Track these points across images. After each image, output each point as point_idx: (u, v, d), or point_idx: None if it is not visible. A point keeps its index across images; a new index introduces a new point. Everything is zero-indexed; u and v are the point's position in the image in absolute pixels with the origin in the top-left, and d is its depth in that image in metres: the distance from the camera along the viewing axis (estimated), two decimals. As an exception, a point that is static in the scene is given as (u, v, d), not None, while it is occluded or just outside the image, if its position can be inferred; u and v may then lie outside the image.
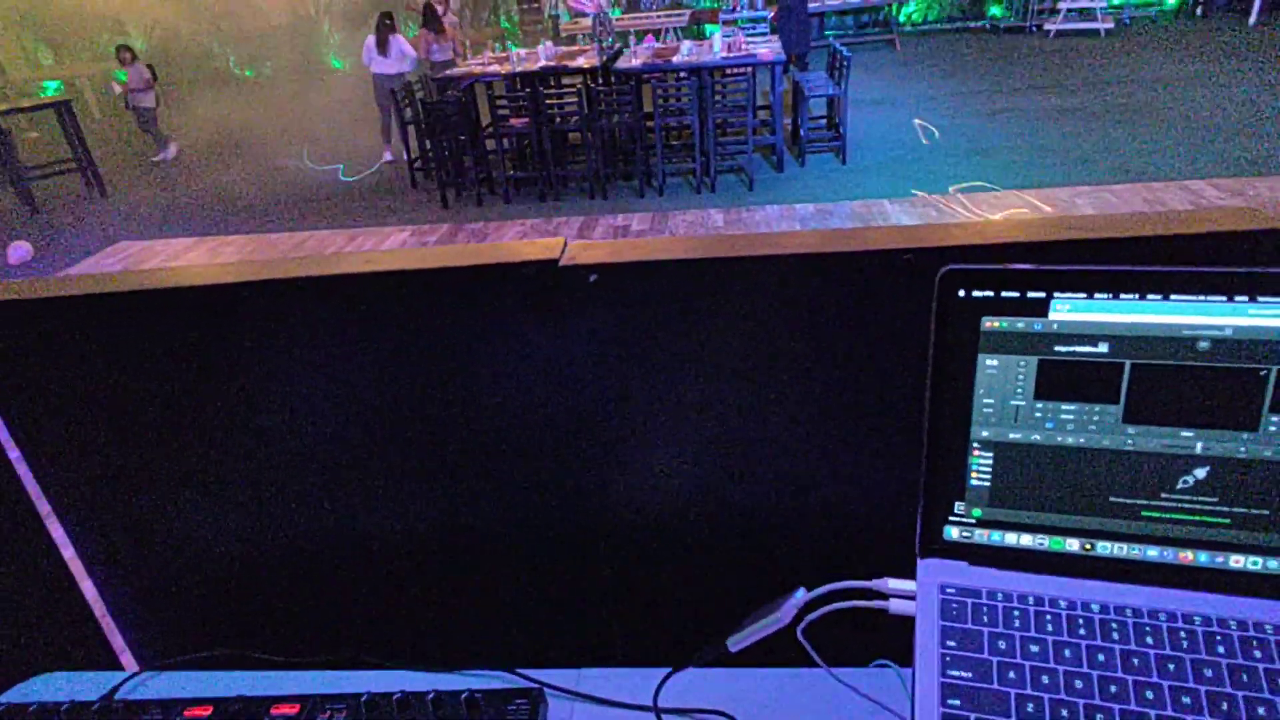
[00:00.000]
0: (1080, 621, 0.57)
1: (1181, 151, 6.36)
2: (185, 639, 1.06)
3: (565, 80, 7.34)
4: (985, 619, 0.59)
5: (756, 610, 0.71)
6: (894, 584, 0.64)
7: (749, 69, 6.37)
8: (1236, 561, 0.58)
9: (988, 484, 0.61)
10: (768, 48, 6.92)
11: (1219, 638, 0.55)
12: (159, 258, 6.29)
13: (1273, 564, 0.57)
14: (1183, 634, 0.56)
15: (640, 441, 0.90)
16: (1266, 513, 0.55)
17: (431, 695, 0.81)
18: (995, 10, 12.40)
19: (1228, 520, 0.57)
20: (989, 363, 0.58)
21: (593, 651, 0.89)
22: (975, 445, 0.60)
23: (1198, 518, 0.57)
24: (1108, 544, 0.60)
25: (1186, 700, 0.53)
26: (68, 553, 1.04)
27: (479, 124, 7.19)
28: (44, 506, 1.01)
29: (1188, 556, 0.58)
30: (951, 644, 0.58)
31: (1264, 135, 6.51)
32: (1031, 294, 0.56)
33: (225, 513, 1.03)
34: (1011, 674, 0.56)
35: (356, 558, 1.02)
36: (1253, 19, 10.76)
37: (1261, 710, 0.52)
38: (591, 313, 0.84)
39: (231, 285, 0.91)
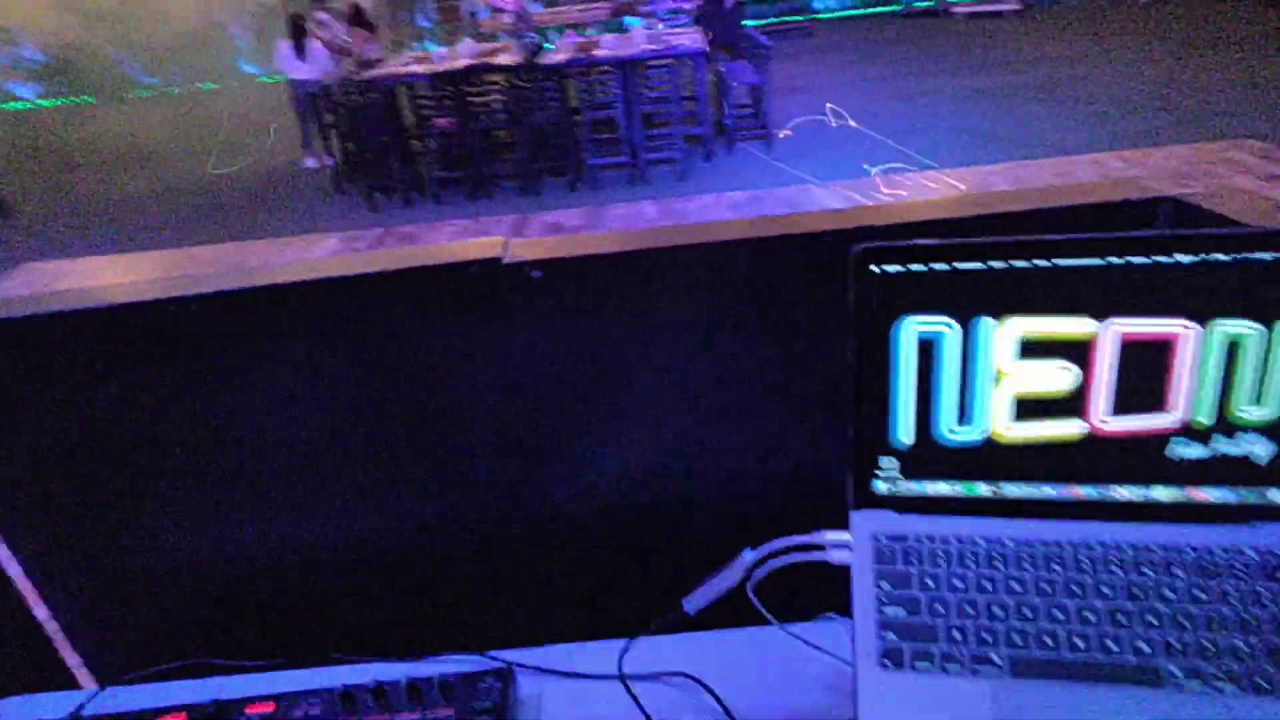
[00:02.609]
0: (996, 556, 0.64)
1: (1086, 127, 6.68)
2: (145, 653, 1.06)
3: (489, 78, 7.28)
4: (913, 560, 0.65)
5: (708, 575, 0.76)
6: (831, 535, 0.70)
7: (672, 61, 6.43)
8: (1121, 493, 0.65)
9: (910, 439, 0.67)
10: (690, 39, 6.99)
11: (1114, 560, 0.62)
12: (72, 277, 6.03)
13: (1153, 493, 0.65)
14: (1083, 559, 0.63)
15: (588, 430, 0.94)
16: (1148, 460, 0.63)
17: (405, 682, 0.84)
18: (908, -4, 12.76)
19: (1105, 462, 0.64)
20: (903, 330, 0.64)
21: (557, 629, 0.93)
22: (899, 405, 0.67)
23: (1083, 463, 0.65)
24: (1013, 486, 0.67)
25: (1091, 617, 0.60)
26: (13, 570, 1.03)
27: (403, 125, 7.09)
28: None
29: (1079, 492, 0.66)
30: (885, 585, 0.64)
31: (1155, 109, 6.89)
32: (935, 265, 0.62)
33: (175, 526, 1.03)
34: (939, 606, 0.62)
35: (316, 560, 1.04)
36: (1143, -2, 11.34)
37: (1151, 619, 0.59)
38: (536, 308, 0.88)
39: (174, 300, 0.92)
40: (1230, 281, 0.58)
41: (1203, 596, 0.60)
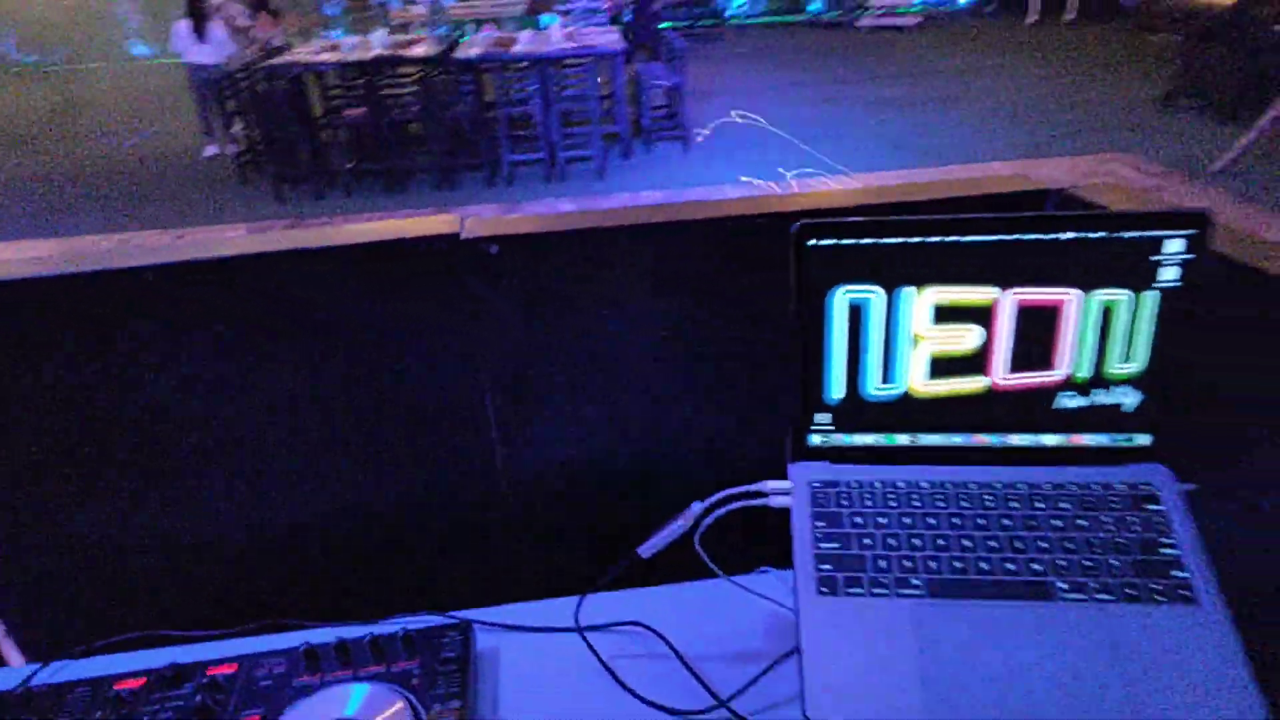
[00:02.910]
0: (914, 496, 0.73)
1: (979, 137, 7.11)
2: (93, 632, 1.05)
3: (403, 70, 7.15)
4: (844, 503, 0.74)
5: (661, 525, 0.83)
6: (772, 484, 0.78)
7: (590, 60, 6.49)
8: (1017, 440, 0.76)
9: (840, 396, 0.76)
10: (607, 39, 7.06)
11: (1012, 496, 0.73)
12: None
13: (1043, 439, 0.75)
14: (987, 497, 0.73)
15: (542, 397, 0.99)
16: (1039, 410, 0.74)
17: (368, 638, 0.87)
18: (815, 6, 13.20)
19: (1004, 413, 0.75)
20: (836, 298, 0.72)
21: (519, 590, 0.98)
22: (831, 365, 0.75)
23: (986, 414, 0.75)
24: (927, 436, 0.77)
25: (993, 545, 0.70)
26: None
27: (312, 115, 6.89)
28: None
29: (983, 439, 0.76)
30: (820, 525, 0.73)
31: (1043, 122, 7.40)
32: (864, 240, 0.70)
33: (128, 504, 1.03)
34: (866, 541, 0.71)
35: (272, 534, 1.05)
36: (1029, 18, 12.10)
37: (1043, 544, 0.69)
38: (492, 283, 0.93)
39: (116, 272, 0.92)
40: (1105, 255, 0.69)
41: (1084, 524, 0.71)
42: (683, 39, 7.22)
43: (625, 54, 6.79)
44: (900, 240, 0.70)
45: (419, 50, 7.03)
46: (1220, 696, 0.61)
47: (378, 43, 7.18)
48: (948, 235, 0.70)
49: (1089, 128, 7.18)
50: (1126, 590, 0.66)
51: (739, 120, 7.86)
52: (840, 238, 0.71)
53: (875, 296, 0.72)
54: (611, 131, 7.05)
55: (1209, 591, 0.66)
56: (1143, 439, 0.74)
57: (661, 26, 10.76)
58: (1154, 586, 0.66)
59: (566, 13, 10.94)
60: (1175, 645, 0.63)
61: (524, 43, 7.00)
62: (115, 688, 0.85)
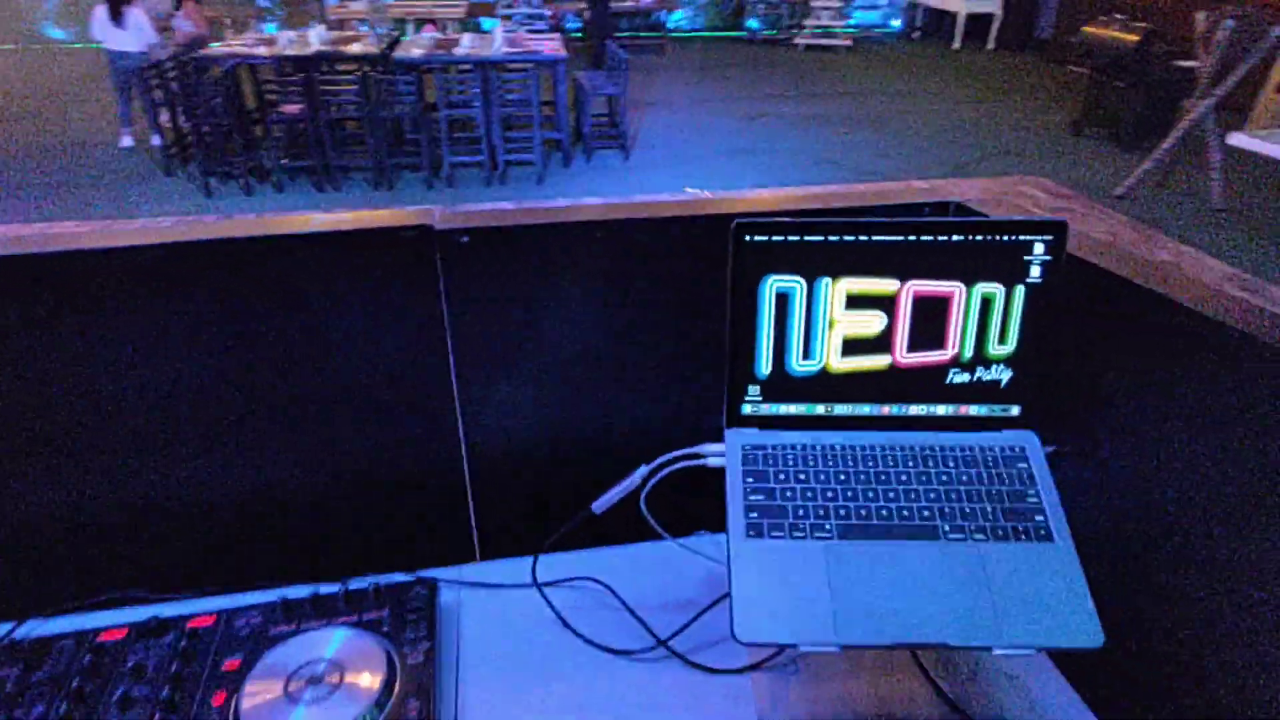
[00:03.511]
0: (828, 456, 0.86)
1: (906, 155, 7.46)
2: (63, 596, 1.09)
3: (341, 67, 7.09)
4: (771, 462, 0.86)
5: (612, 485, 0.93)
6: (710, 447, 0.89)
7: (532, 66, 6.57)
8: (915, 410, 0.89)
9: (768, 371, 0.88)
10: (549, 45, 7.15)
11: (909, 456, 0.86)
12: None
13: (937, 409, 0.89)
14: (888, 457, 0.86)
15: (504, 374, 1.09)
16: (932, 384, 0.88)
17: (341, 591, 0.95)
18: (753, 23, 13.55)
19: (904, 386, 0.88)
20: (766, 286, 0.85)
21: (481, 549, 1.07)
22: (761, 343, 0.87)
23: (888, 387, 0.88)
24: (841, 406, 0.89)
25: (892, 495, 0.83)
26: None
27: (245, 108, 6.77)
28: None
29: (886, 409, 0.89)
30: (750, 480, 0.85)
31: (963, 144, 7.81)
32: (790, 237, 0.83)
33: (99, 469, 1.07)
34: (788, 493, 0.83)
35: (250, 498, 1.11)
36: (955, 44, 12.71)
37: (933, 495, 0.83)
38: (460, 270, 1.02)
39: (85, 252, 0.97)
40: (984, 255, 0.83)
41: (966, 479, 0.84)
42: (624, 50, 7.36)
43: (566, 61, 6.88)
44: (820, 238, 0.83)
45: (358, 48, 7.00)
46: (1066, 615, 0.75)
47: (316, 38, 7.11)
48: (858, 235, 0.83)
49: (1005, 151, 7.61)
50: (998, 531, 0.80)
51: (676, 130, 8.04)
52: (770, 235, 0.83)
53: (798, 286, 0.85)
54: (553, 138, 7.14)
55: (1061, 532, 0.80)
56: (1015, 409, 0.89)
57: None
58: (1020, 528, 0.80)
59: (508, 18, 10.99)
60: (1033, 574, 0.77)
61: (466, 45, 7.02)
62: (98, 639, 0.91)
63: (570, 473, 1.16)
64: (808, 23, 12.62)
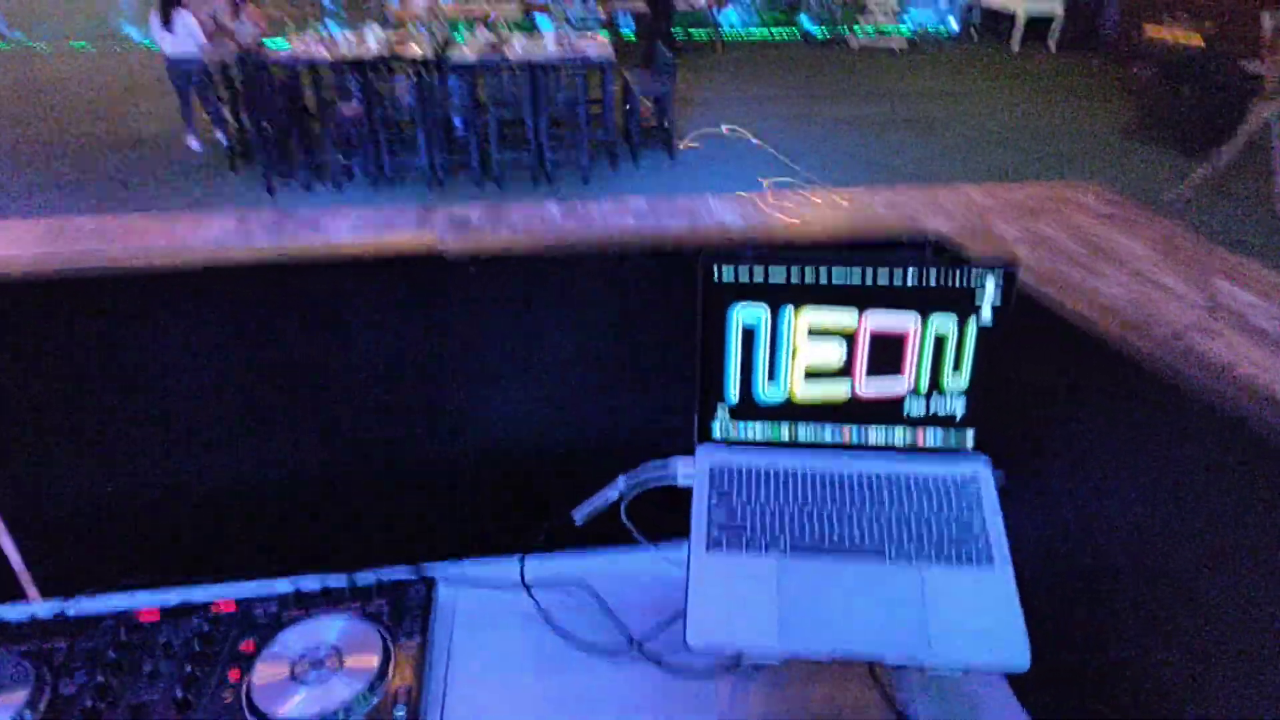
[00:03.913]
0: (788, 478, 0.92)
1: (955, 158, 7.35)
2: (96, 577, 1.21)
3: (397, 68, 7.29)
4: (734, 481, 0.93)
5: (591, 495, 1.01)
6: (681, 462, 0.96)
7: (581, 67, 6.67)
8: (874, 436, 0.95)
9: (736, 395, 0.95)
10: (598, 47, 7.23)
11: (865, 482, 0.92)
12: (-64, 243, 5.67)
13: (894, 437, 0.95)
14: (845, 481, 0.92)
15: (500, 385, 1.18)
16: (889, 413, 0.93)
17: (348, 584, 1.05)
18: (806, 23, 13.45)
19: (864, 414, 0.94)
20: (733, 315, 0.91)
21: (471, 547, 1.16)
22: (729, 369, 0.94)
23: (849, 415, 0.94)
24: (803, 429, 0.95)
25: (844, 517, 0.89)
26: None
27: (305, 108, 7.02)
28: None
29: (846, 434, 0.95)
30: (714, 496, 0.91)
31: (1017, 147, 7.66)
32: (756, 269, 0.89)
33: (126, 461, 1.19)
34: (748, 510, 0.90)
35: (266, 493, 1.22)
36: (1015, 46, 12.42)
37: (883, 519, 0.88)
38: (464, 293, 1.11)
39: (145, 271, 1.09)
40: (938, 293, 0.88)
41: (918, 503, 0.90)
42: (673, 51, 7.41)
43: (615, 63, 6.96)
44: (783, 271, 0.89)
45: (414, 50, 7.18)
46: (998, 637, 0.80)
47: (374, 41, 7.32)
48: (819, 270, 0.89)
49: (1060, 155, 7.45)
50: (941, 554, 0.85)
51: (723, 131, 8.06)
52: (736, 266, 0.89)
53: (763, 315, 0.91)
54: (600, 139, 7.23)
55: (1002, 556, 0.85)
56: (969, 438, 0.94)
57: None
58: (963, 552, 0.85)
59: (561, 16, 11.11)
60: (970, 596, 0.82)
61: (518, 47, 7.14)
62: (136, 618, 1.02)
63: (561, 475, 1.24)
64: (861, 21, 12.47)
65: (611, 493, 0.99)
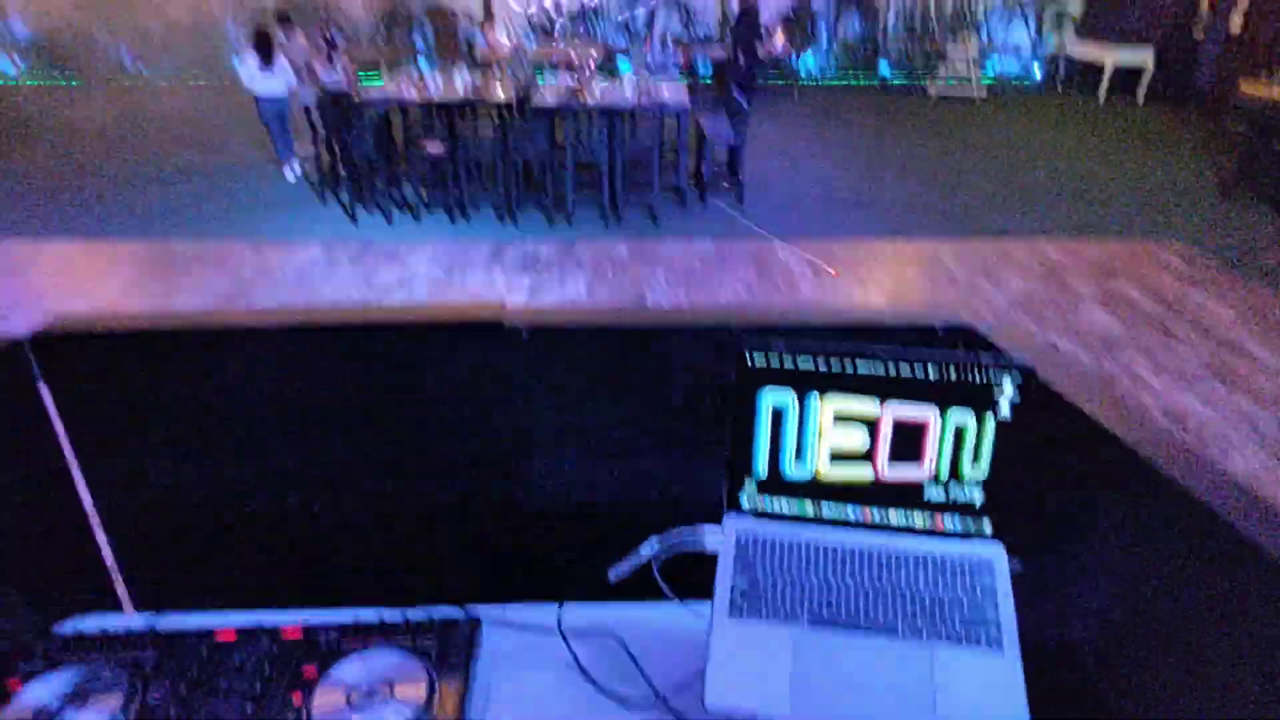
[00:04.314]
0: (811, 552, 0.98)
1: (1034, 213, 7.24)
2: (179, 594, 1.34)
3: (481, 109, 7.63)
4: (760, 551, 0.99)
5: (626, 554, 1.08)
6: (709, 530, 1.03)
7: (657, 112, 6.86)
8: (895, 518, 1.00)
9: (764, 471, 1.01)
10: (675, 94, 7.43)
11: (884, 560, 0.97)
12: (45, 260, 6.18)
13: (914, 520, 0.99)
14: (866, 558, 0.97)
15: (549, 444, 1.28)
16: (910, 497, 0.98)
17: (403, 619, 1.14)
18: (885, 70, 13.47)
19: (885, 497, 0.99)
20: (763, 398, 0.98)
21: (516, 590, 1.25)
22: (758, 446, 1.00)
23: (871, 496, 0.99)
24: (828, 507, 1.01)
25: (862, 593, 0.94)
26: (94, 521, 1.32)
27: (393, 145, 7.40)
28: (83, 492, 1.28)
29: (869, 514, 1.00)
30: (739, 565, 0.98)
31: (1101, 201, 7.50)
32: (786, 358, 0.96)
33: (227, 496, 1.33)
34: (770, 581, 0.96)
35: (335, 529, 1.34)
36: (1101, 97, 12.17)
37: (898, 597, 0.93)
38: (520, 357, 1.21)
39: (248, 329, 1.22)
40: (958, 387, 0.93)
41: (933, 584, 0.94)
42: (747, 98, 7.54)
43: (690, 110, 7.13)
44: (810, 360, 0.96)
45: (499, 93, 7.51)
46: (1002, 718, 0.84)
47: (461, 83, 7.68)
48: (845, 360, 0.95)
49: (1147, 212, 7.25)
50: (952, 635, 0.90)
51: (795, 177, 8.13)
52: (768, 354, 0.97)
53: (791, 400, 0.98)
54: (672, 182, 7.40)
55: (1011, 643, 0.89)
56: (986, 525, 0.98)
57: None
58: (974, 634, 0.90)
59: (641, 63, 11.42)
60: (977, 680, 0.86)
61: (597, 91, 7.38)
62: (216, 637, 1.13)
63: (599, 529, 1.32)
64: (941, 69, 12.42)
65: (644, 553, 1.06)
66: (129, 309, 5.30)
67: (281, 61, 7.80)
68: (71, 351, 1.18)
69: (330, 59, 7.60)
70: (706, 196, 7.55)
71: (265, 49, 7.72)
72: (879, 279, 5.82)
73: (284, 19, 8.37)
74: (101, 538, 1.32)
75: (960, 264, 6.04)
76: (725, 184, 7.73)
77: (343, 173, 7.25)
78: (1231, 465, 3.64)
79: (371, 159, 7.10)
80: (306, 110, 7.37)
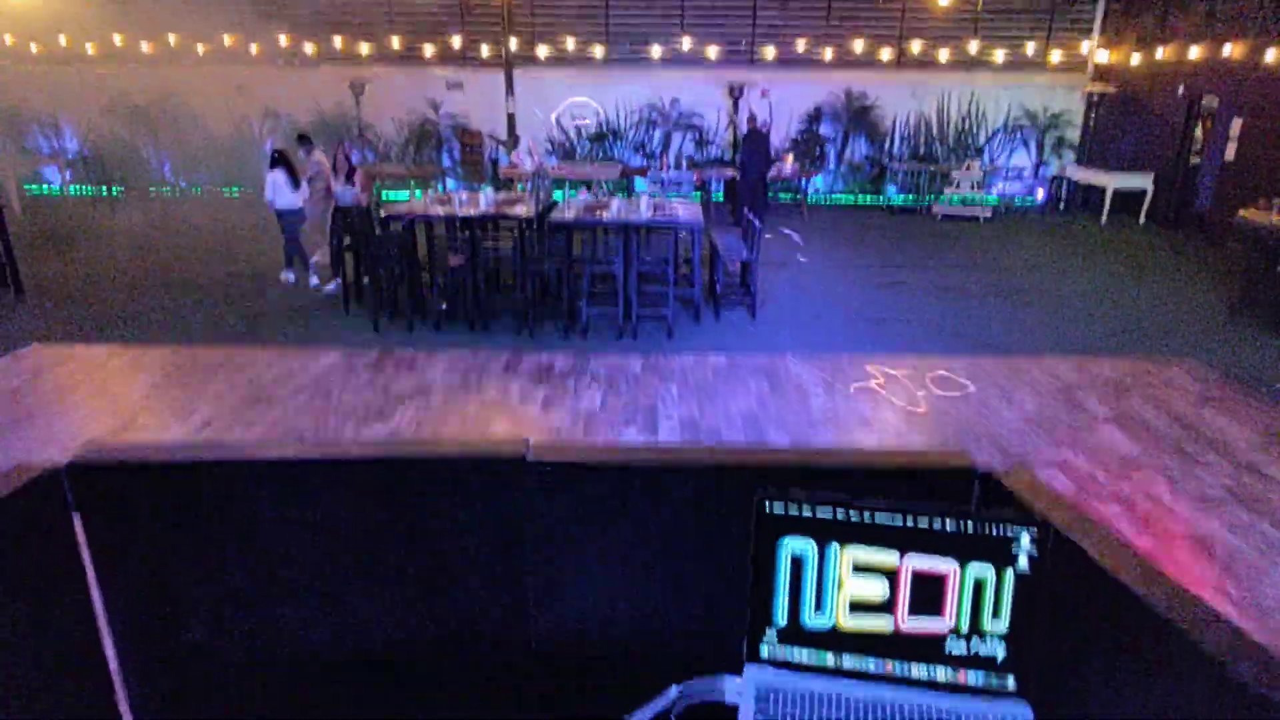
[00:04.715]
0: (832, 705, 0.96)
1: (1041, 331, 7.33)
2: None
3: (503, 225, 7.94)
4: (779, 702, 0.97)
5: (645, 700, 1.07)
6: (729, 681, 1.02)
7: (672, 229, 7.11)
8: (916, 671, 0.99)
9: (784, 620, 1.01)
10: (689, 211, 7.71)
11: (907, 714, 0.95)
12: (76, 364, 6.32)
13: (936, 673, 0.98)
14: (886, 711, 0.95)
15: (567, 579, 1.27)
16: (932, 650, 0.97)
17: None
18: (892, 191, 13.97)
19: (906, 649, 0.98)
20: (782, 547, 0.99)
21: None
22: (778, 595, 1.01)
23: (892, 648, 0.99)
24: (848, 659, 1.00)
25: (889, 755, 0.92)
26: (105, 637, 1.31)
27: (417, 258, 7.66)
28: (101, 618, 1.29)
29: (890, 667, 0.99)
30: (759, 716, 0.96)
31: (1107, 320, 7.59)
32: (804, 507, 0.98)
33: (241, 633, 1.32)
34: (791, 736, 0.94)
35: (352, 669, 1.32)
36: (1104, 218, 12.51)
37: (926, 760, 0.91)
38: (544, 491, 1.23)
39: (264, 462, 1.25)
40: (976, 540, 0.94)
41: (958, 746, 0.92)
42: (759, 217, 7.81)
43: (705, 227, 7.39)
44: (830, 510, 0.98)
45: (520, 209, 7.82)
46: None
47: (485, 200, 8.02)
48: (863, 512, 0.97)
49: (1153, 331, 7.33)
50: (980, 803, 0.87)
51: (812, 292, 8.30)
52: (787, 504, 0.98)
53: (810, 549, 0.99)
54: (687, 295, 7.58)
55: (1039, 811, 0.86)
56: (1010, 681, 0.96)
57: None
58: (999, 802, 0.87)
59: (657, 181, 11.92)
60: None
61: (615, 209, 7.67)
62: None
63: (616, 669, 1.30)
64: (946, 191, 12.86)
65: (662, 703, 1.04)
66: (154, 420, 5.38)
67: (303, 178, 8.29)
68: (105, 481, 1.21)
69: (350, 178, 7.98)
70: (720, 310, 7.70)
71: (288, 166, 8.19)
72: (892, 396, 5.85)
73: (304, 139, 8.98)
74: (118, 682, 1.31)
75: (973, 382, 6.07)
76: (738, 298, 7.91)
77: (365, 281, 7.48)
78: (1263, 598, 3.54)
79: (395, 270, 7.33)
80: (298, 224, 7.81)
